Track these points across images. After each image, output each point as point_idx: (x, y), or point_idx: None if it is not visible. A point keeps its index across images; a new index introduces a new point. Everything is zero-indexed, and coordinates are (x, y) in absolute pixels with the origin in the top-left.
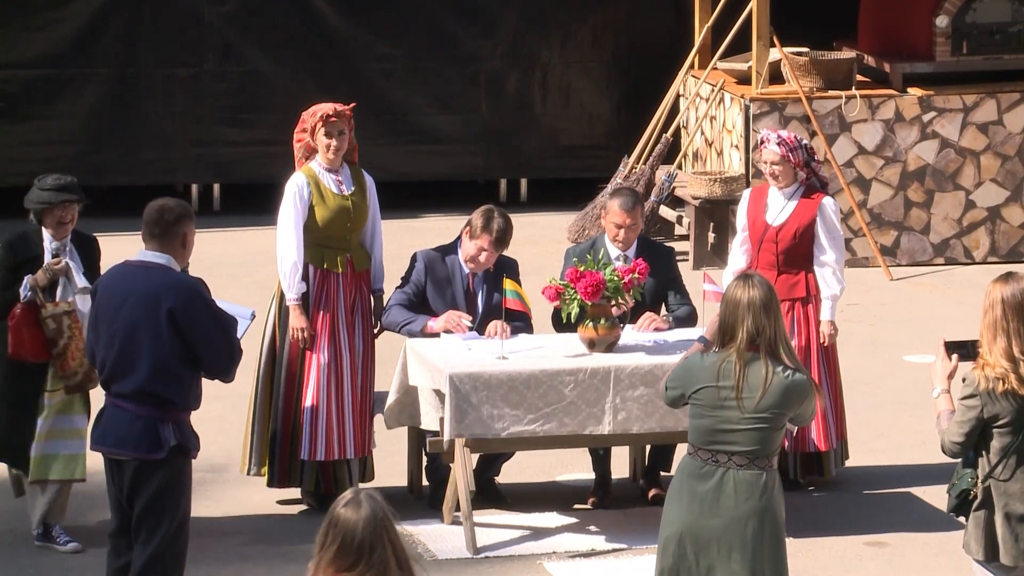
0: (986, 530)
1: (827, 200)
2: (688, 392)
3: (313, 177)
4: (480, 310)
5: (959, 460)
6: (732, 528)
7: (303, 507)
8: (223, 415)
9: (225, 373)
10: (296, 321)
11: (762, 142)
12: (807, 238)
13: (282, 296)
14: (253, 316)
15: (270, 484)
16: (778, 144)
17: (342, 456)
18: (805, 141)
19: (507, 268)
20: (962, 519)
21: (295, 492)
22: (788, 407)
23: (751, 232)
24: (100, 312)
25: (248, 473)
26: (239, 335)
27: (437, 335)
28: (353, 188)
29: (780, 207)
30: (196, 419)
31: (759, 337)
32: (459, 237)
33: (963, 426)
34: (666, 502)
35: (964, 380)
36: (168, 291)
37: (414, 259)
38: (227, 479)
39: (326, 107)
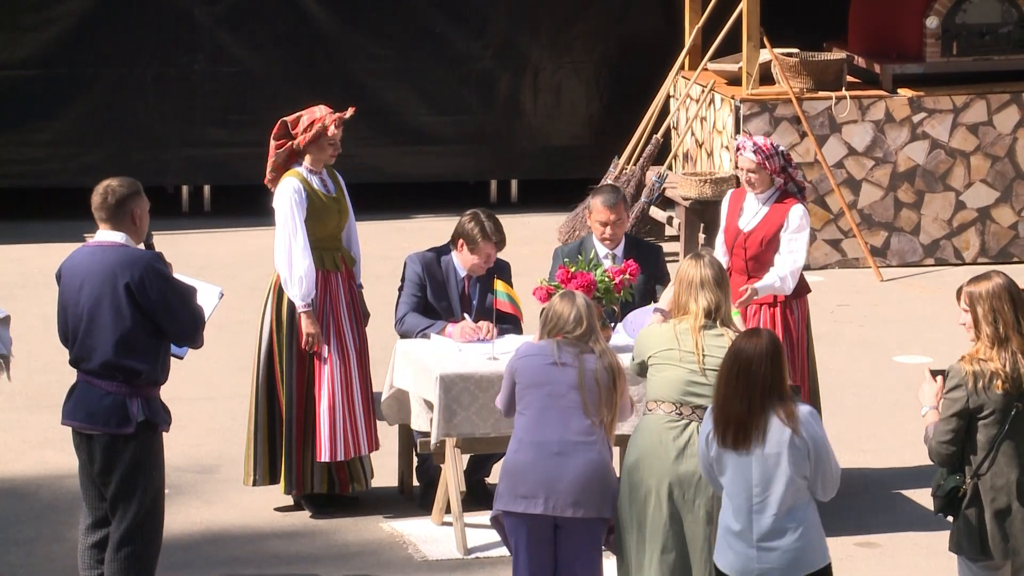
0: (977, 528)
1: (795, 208)
2: (648, 355)
3: (304, 181)
4: (474, 313)
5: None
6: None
7: (302, 512)
8: (212, 416)
9: (192, 341)
10: (310, 327)
11: (738, 149)
12: (774, 245)
13: (278, 300)
14: (221, 295)
15: (287, 491)
16: (754, 152)
17: (357, 453)
18: (782, 148)
19: (501, 271)
20: (949, 519)
21: (285, 497)
22: None
23: (726, 236)
24: (64, 295)
25: (253, 484)
26: (207, 315)
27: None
28: (335, 188)
29: (753, 213)
30: (185, 421)
31: (716, 312)
32: (451, 242)
33: (949, 422)
34: (638, 458)
35: (948, 372)
36: (124, 267)
37: (408, 263)
38: (218, 480)
39: (330, 113)
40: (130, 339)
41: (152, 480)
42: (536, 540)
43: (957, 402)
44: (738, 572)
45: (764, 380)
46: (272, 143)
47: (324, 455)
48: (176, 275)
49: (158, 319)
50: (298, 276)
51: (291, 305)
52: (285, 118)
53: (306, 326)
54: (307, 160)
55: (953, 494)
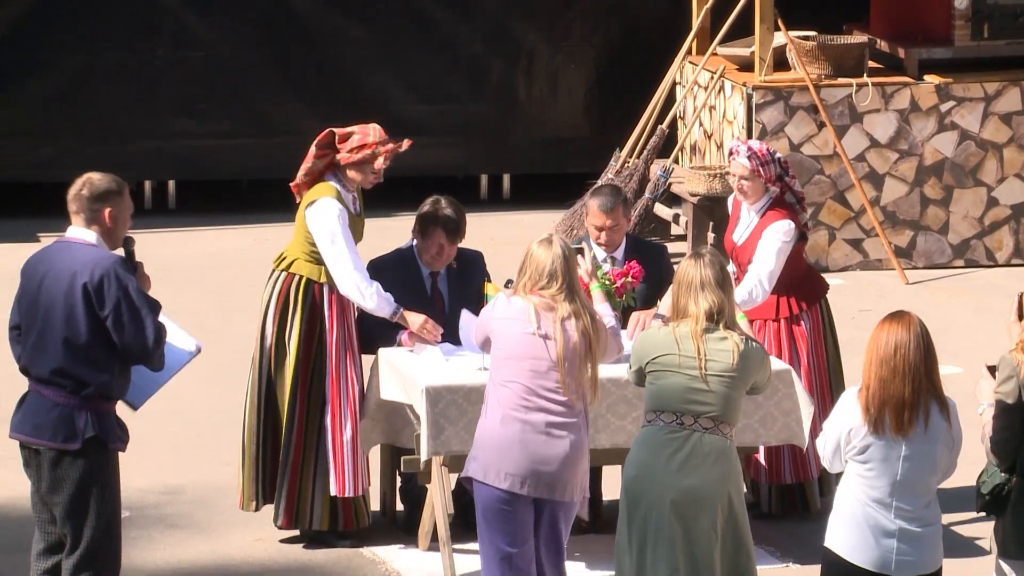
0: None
1: (777, 223)
2: (646, 361)
3: (341, 199)
4: (447, 313)
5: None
6: (711, 486)
7: (274, 537)
8: (178, 431)
9: (144, 359)
10: (416, 318)
11: (731, 154)
12: None
13: (282, 309)
14: (198, 350)
15: (274, 521)
16: (748, 157)
17: (367, 485)
18: (779, 154)
19: (471, 263)
20: (992, 520)
21: (266, 528)
22: (749, 372)
23: (725, 246)
24: (22, 292)
25: (256, 509)
26: (175, 370)
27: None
28: (360, 206)
29: (746, 225)
30: (147, 436)
31: (719, 315)
32: (412, 238)
33: (1002, 417)
34: (636, 473)
35: (1000, 363)
36: (84, 267)
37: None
38: (184, 502)
39: (383, 140)
40: (82, 346)
41: (104, 503)
42: (514, 515)
43: (1009, 395)
44: (874, 562)
45: (920, 363)
46: (313, 149)
47: (347, 489)
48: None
49: (109, 326)
50: (371, 305)
51: (293, 320)
52: (334, 128)
53: (413, 323)
54: (344, 176)
55: (998, 492)
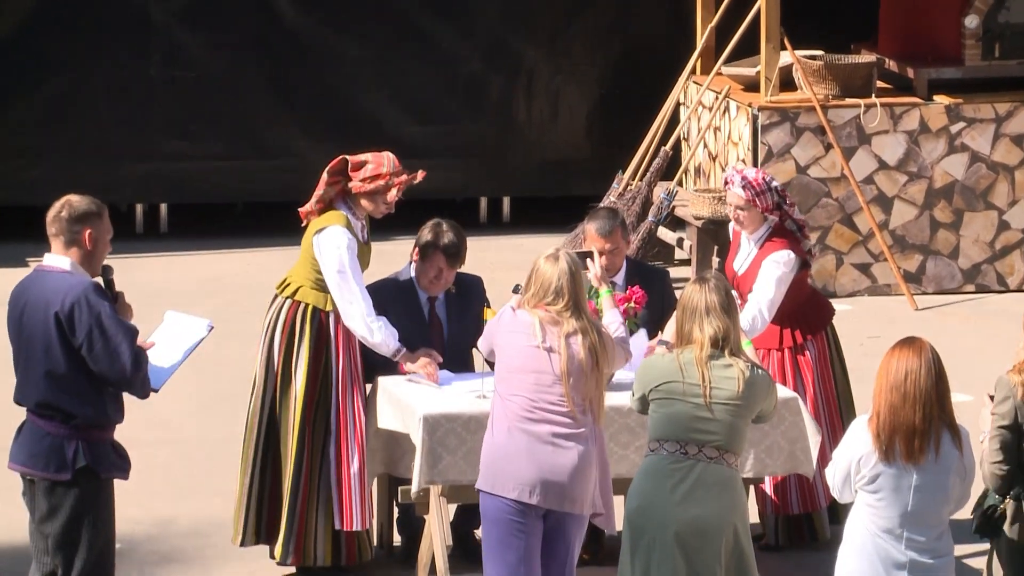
0: (1019, 552)
1: (777, 253)
2: (649, 388)
3: (350, 227)
4: (446, 339)
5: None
6: (715, 517)
7: (267, 570)
8: (170, 462)
9: (124, 385)
10: (415, 367)
11: (726, 183)
12: None
13: (289, 336)
14: (210, 328)
15: (283, 561)
16: (743, 187)
17: (373, 517)
18: (776, 183)
19: (470, 288)
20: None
21: (261, 560)
22: (754, 399)
23: (727, 274)
24: (8, 324)
25: (243, 543)
26: (189, 348)
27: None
28: (367, 234)
29: (745, 254)
30: (139, 467)
31: (724, 341)
32: (410, 262)
33: (998, 439)
34: (639, 504)
35: (996, 384)
36: (56, 296)
37: None
38: (175, 534)
39: (396, 171)
40: (63, 377)
41: (96, 534)
42: (523, 529)
43: (1005, 416)
44: None
45: (931, 389)
46: (325, 176)
47: (355, 522)
48: (168, 313)
49: (83, 354)
50: (377, 340)
51: (300, 349)
52: (347, 156)
53: (417, 365)
54: (356, 204)
55: (991, 513)
